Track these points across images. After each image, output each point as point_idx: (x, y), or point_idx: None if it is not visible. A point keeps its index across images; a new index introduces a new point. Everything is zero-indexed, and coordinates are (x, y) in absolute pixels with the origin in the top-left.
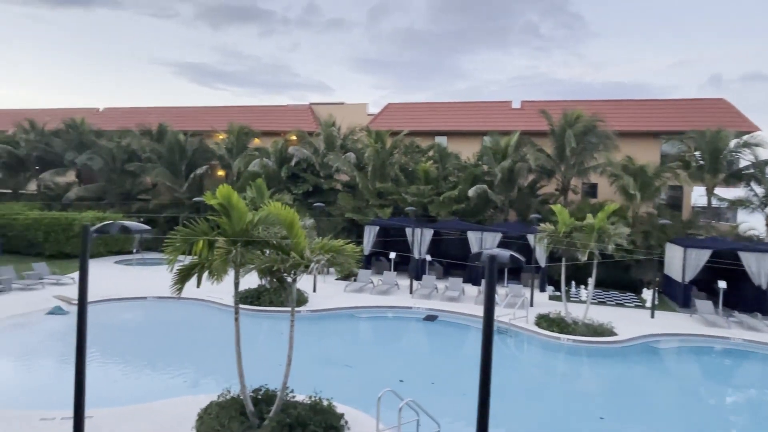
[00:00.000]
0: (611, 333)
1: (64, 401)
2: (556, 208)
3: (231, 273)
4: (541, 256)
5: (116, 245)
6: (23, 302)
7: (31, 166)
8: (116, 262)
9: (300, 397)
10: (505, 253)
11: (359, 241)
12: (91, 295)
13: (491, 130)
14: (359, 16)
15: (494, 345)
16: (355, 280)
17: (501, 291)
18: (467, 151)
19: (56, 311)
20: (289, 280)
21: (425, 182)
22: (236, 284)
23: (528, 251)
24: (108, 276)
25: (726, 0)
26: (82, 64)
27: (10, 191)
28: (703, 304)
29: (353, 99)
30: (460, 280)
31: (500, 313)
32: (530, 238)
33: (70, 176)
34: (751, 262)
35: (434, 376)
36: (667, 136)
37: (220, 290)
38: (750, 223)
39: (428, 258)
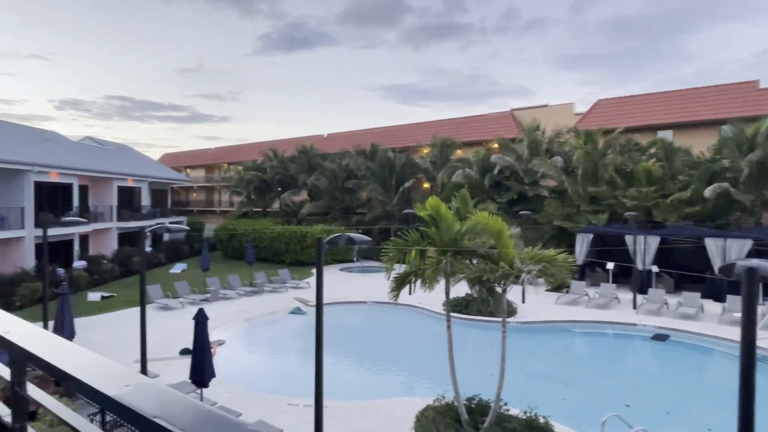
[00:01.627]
0: None
1: (303, 390)
2: None
3: (441, 281)
4: None
5: (340, 254)
6: (272, 302)
7: (274, 188)
8: (340, 270)
9: (514, 411)
10: None
11: (570, 251)
12: (324, 298)
13: (731, 117)
14: (560, 12)
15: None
16: (567, 292)
17: (758, 310)
18: (699, 145)
19: (296, 311)
20: (499, 290)
21: (647, 183)
22: (447, 293)
23: None
24: (335, 281)
25: None
26: (310, 98)
27: (260, 209)
28: None
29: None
30: (698, 295)
31: (758, 336)
32: None
33: (303, 195)
34: None
35: (668, 404)
36: None
37: (429, 297)
38: None
39: (655, 269)
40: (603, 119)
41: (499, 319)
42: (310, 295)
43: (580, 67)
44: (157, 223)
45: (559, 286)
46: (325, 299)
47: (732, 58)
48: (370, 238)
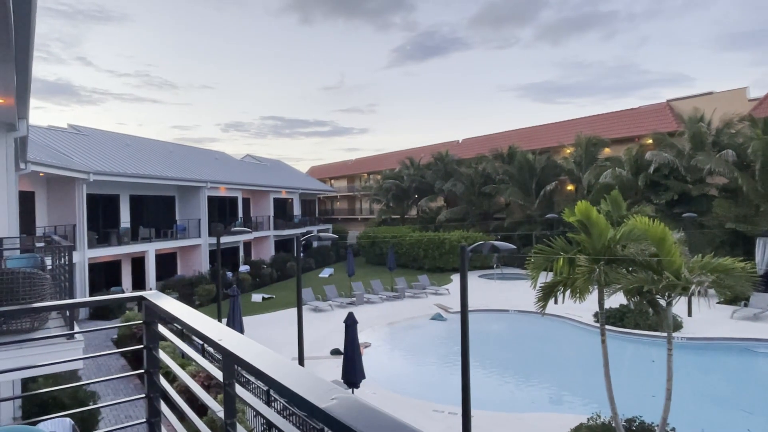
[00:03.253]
0: None
1: (447, 396)
2: None
3: (592, 291)
4: None
5: (478, 260)
6: (412, 307)
7: (411, 195)
8: (479, 276)
9: None
10: None
11: (748, 258)
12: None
13: None
14: None
15: None
16: (745, 305)
17: None
18: None
19: (437, 317)
20: (663, 303)
21: None
22: (601, 304)
23: None
24: (474, 288)
25: None
26: (445, 104)
27: (398, 216)
28: None
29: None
30: None
31: None
32: None
33: (440, 201)
34: None
35: None
36: None
37: (578, 308)
38: None
39: None
40: None
41: (661, 334)
42: (450, 302)
43: (751, 46)
44: (307, 231)
45: (735, 299)
46: (469, 306)
47: None
48: (514, 246)
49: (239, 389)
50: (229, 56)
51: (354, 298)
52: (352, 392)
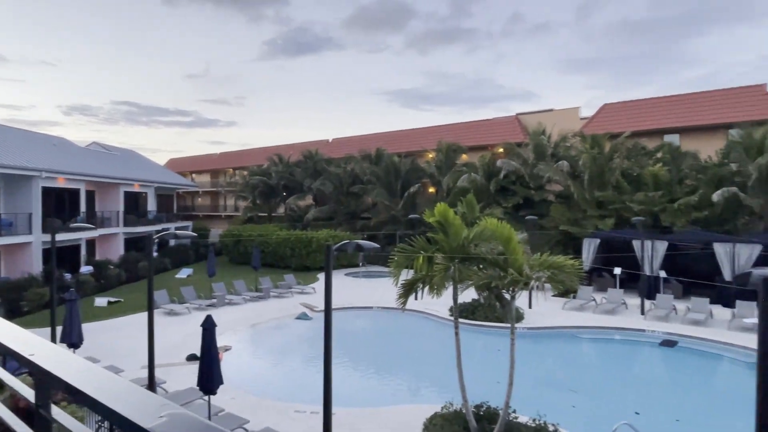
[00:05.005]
0: None
1: (310, 396)
2: None
3: (448, 287)
4: None
5: (345, 259)
6: (278, 308)
7: (279, 192)
8: (346, 275)
9: (523, 419)
10: None
11: (577, 256)
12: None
13: (739, 121)
14: (566, 16)
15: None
16: (574, 297)
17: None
18: (707, 149)
19: (302, 317)
20: (508, 296)
21: (654, 188)
22: (455, 299)
23: None
24: (340, 286)
25: None
26: (316, 103)
27: (265, 214)
28: None
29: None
30: (706, 300)
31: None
32: None
33: (308, 200)
34: None
35: (678, 412)
36: None
37: (436, 303)
38: None
39: (663, 274)
40: (609, 123)
41: (506, 325)
42: (316, 301)
43: (586, 71)
44: (163, 228)
45: (566, 292)
46: (334, 304)
47: (739, 61)
48: (378, 246)
49: (58, 412)
50: (73, 30)
51: (214, 300)
52: (209, 399)
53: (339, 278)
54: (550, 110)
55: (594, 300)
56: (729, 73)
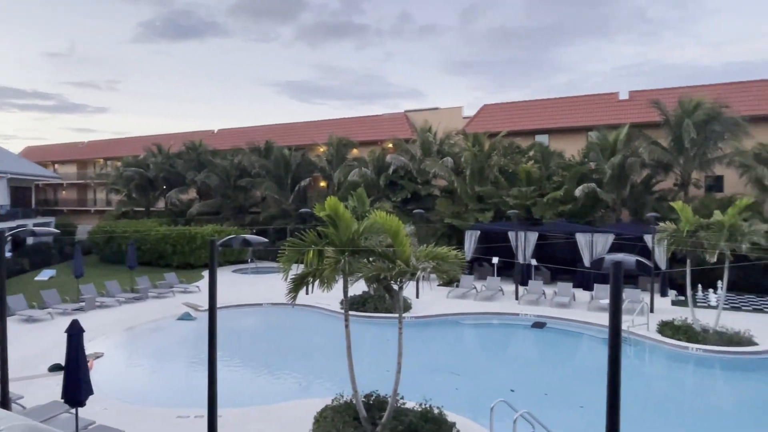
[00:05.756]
0: (750, 342)
1: (195, 400)
2: (677, 205)
3: (339, 280)
4: (661, 258)
5: (233, 255)
6: (157, 309)
7: (159, 185)
8: (234, 271)
9: (410, 404)
10: (631, 259)
11: (460, 247)
12: (217, 302)
13: (597, 124)
14: (451, 19)
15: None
16: (457, 286)
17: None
18: (571, 149)
19: (185, 317)
20: (396, 287)
21: (527, 183)
22: (345, 292)
23: (645, 253)
24: (228, 284)
25: None
26: (200, 91)
27: (142, 209)
28: None
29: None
30: (570, 285)
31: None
32: (647, 238)
33: (192, 193)
34: None
35: (546, 386)
36: None
37: (327, 297)
38: None
39: (534, 262)
40: (488, 123)
41: (395, 315)
42: (201, 300)
43: (468, 73)
44: (18, 225)
45: (450, 281)
46: (220, 303)
47: (597, 71)
48: (266, 239)
49: None
50: None
51: (83, 303)
52: (76, 411)
53: (226, 275)
54: (436, 109)
55: (475, 288)
56: (588, 81)
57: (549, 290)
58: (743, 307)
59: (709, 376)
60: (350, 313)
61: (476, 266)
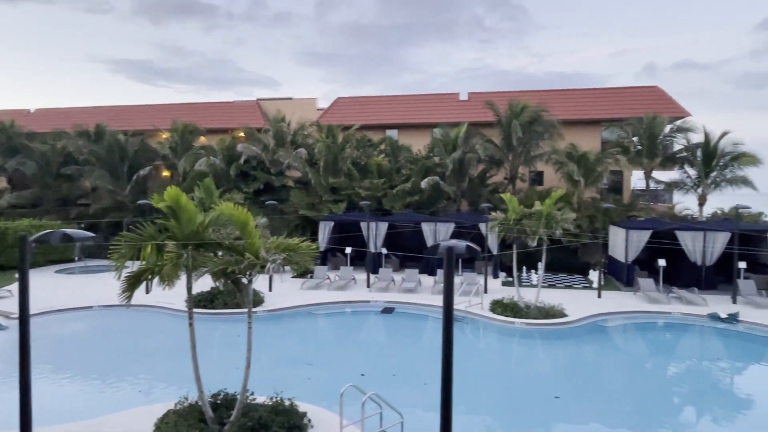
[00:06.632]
0: (562, 314)
1: (7, 420)
2: (506, 196)
3: (183, 277)
4: (493, 243)
5: (56, 254)
6: None
7: None
8: (57, 272)
9: (261, 399)
10: (462, 244)
11: (314, 238)
12: (33, 307)
13: (440, 122)
14: (306, 9)
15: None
16: (311, 277)
17: (456, 280)
18: (418, 144)
19: None
20: (245, 281)
21: (378, 176)
22: (189, 289)
23: (480, 239)
24: (49, 286)
25: None
26: (9, 63)
27: None
28: (645, 282)
29: (302, 94)
30: (416, 271)
31: (456, 302)
32: (482, 226)
33: (2, 182)
34: (687, 240)
35: (395, 367)
36: (607, 123)
37: (171, 295)
38: (685, 203)
39: (384, 251)
40: (342, 116)
41: (245, 310)
42: (13, 305)
43: (323, 65)
44: None
45: (304, 272)
46: (39, 308)
47: (442, 72)
48: (92, 234)
49: None
50: None
51: None
52: None
53: (48, 276)
54: (290, 98)
55: (329, 278)
56: (435, 81)
57: (398, 277)
58: (557, 285)
59: (531, 345)
60: (198, 310)
61: (330, 257)
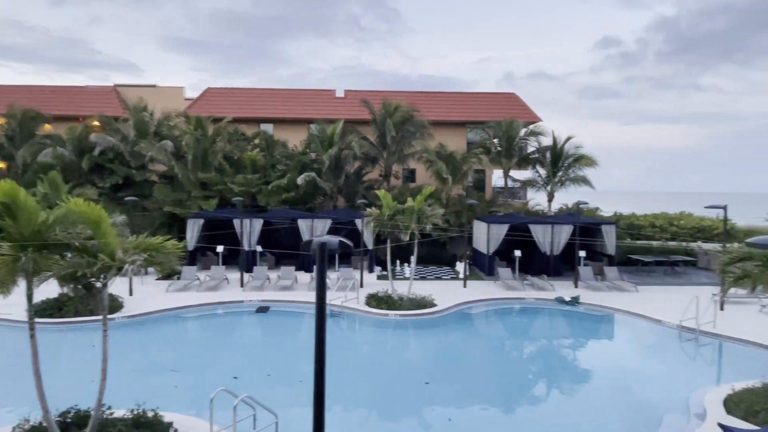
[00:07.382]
0: (432, 304)
1: None
2: (381, 193)
3: (22, 284)
4: (368, 238)
5: None
6: None
7: None
8: None
9: (120, 412)
10: (335, 240)
11: (182, 237)
12: None
13: (317, 118)
14: None
15: (328, 328)
16: (178, 279)
17: (333, 275)
18: (294, 139)
19: None
20: (99, 285)
21: (252, 171)
22: (29, 296)
23: (357, 235)
24: None
25: (519, 8)
26: None
27: None
28: (504, 272)
29: (167, 82)
30: (293, 268)
31: (333, 297)
32: (358, 222)
33: None
34: (538, 233)
35: (270, 367)
36: (472, 125)
37: (7, 304)
38: (536, 199)
39: (259, 249)
40: (213, 107)
41: (101, 318)
42: None
43: (192, 52)
44: None
45: (170, 274)
46: None
47: (319, 68)
48: None
49: None
50: None
51: None
52: None
53: None
54: (154, 86)
55: (198, 279)
56: (312, 77)
57: (273, 275)
58: (428, 277)
59: (404, 335)
60: (43, 320)
61: (200, 256)
